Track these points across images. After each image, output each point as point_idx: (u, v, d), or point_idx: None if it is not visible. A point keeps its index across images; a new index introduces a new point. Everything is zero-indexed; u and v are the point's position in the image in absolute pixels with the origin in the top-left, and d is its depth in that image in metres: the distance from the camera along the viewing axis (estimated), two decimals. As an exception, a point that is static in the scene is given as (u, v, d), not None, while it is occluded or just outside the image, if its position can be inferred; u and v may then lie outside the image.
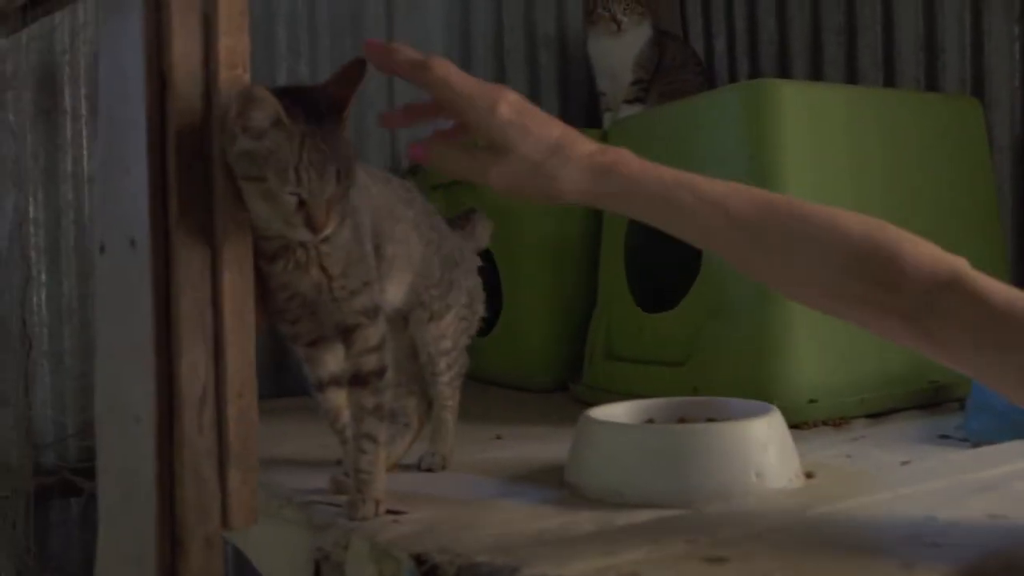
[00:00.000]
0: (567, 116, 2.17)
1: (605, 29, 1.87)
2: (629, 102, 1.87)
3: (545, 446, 1.12)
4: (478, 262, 1.12)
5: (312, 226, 0.73)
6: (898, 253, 0.72)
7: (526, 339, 1.68)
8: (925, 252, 0.72)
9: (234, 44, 0.71)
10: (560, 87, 2.22)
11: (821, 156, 1.31)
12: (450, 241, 1.05)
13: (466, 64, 2.11)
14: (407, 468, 1.03)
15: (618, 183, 0.77)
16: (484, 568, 0.70)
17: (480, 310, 1.09)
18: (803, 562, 0.70)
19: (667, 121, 1.49)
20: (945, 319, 0.70)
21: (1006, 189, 1.62)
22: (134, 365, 0.73)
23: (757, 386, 1.19)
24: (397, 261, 0.93)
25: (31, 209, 1.66)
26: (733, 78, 2.09)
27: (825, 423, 1.22)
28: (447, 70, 0.77)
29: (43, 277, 1.67)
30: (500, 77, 2.14)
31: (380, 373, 0.86)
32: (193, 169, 0.72)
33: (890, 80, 1.79)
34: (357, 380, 0.86)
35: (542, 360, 1.67)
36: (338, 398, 0.92)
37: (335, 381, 0.91)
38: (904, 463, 1.00)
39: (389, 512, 0.85)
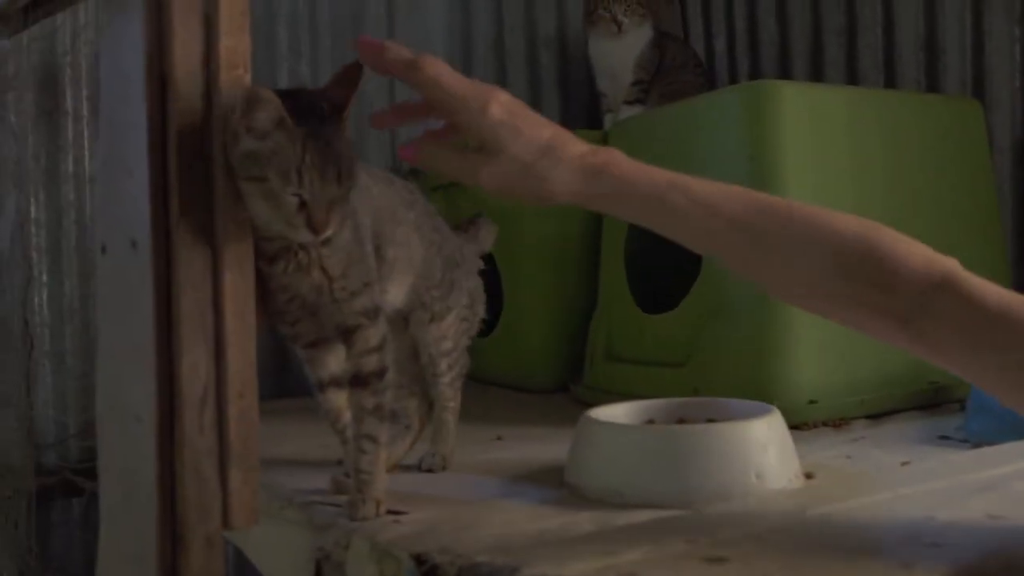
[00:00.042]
0: (568, 116, 2.20)
1: (606, 30, 1.87)
2: (630, 103, 1.87)
3: (545, 447, 1.12)
4: (480, 264, 1.12)
5: (313, 227, 0.73)
6: (891, 254, 0.72)
7: (527, 340, 1.68)
8: (918, 253, 0.72)
9: (235, 44, 0.71)
10: (561, 87, 2.22)
11: (821, 157, 1.32)
12: (451, 242, 1.05)
13: (467, 64, 2.11)
14: (408, 468, 1.04)
15: (609, 184, 0.77)
16: (484, 568, 0.70)
17: (481, 311, 1.09)
18: (803, 562, 0.70)
19: (668, 122, 1.49)
20: (937, 320, 0.70)
21: (1006, 190, 1.62)
22: (135, 365, 0.73)
23: (757, 387, 1.19)
24: (398, 264, 0.94)
25: (33, 210, 1.67)
26: (734, 79, 2.09)
27: (825, 424, 1.22)
28: (438, 70, 0.77)
29: (45, 277, 1.68)
30: (501, 77, 2.14)
31: (380, 374, 0.86)
32: (194, 169, 0.72)
33: (891, 81, 1.79)
34: (357, 381, 0.86)
35: (543, 361, 1.67)
36: (339, 399, 0.92)
37: (335, 382, 0.91)
38: (904, 464, 1.00)
39: (390, 512, 0.85)
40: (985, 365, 0.71)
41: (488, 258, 1.16)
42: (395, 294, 0.95)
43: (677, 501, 0.85)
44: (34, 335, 1.62)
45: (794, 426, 1.08)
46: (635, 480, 0.88)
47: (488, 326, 1.34)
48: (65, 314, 1.68)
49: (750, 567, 0.69)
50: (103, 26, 0.80)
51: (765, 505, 0.85)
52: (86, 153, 1.71)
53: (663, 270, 1.43)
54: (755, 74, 2.04)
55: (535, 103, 2.17)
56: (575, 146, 0.78)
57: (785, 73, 1.97)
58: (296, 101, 0.73)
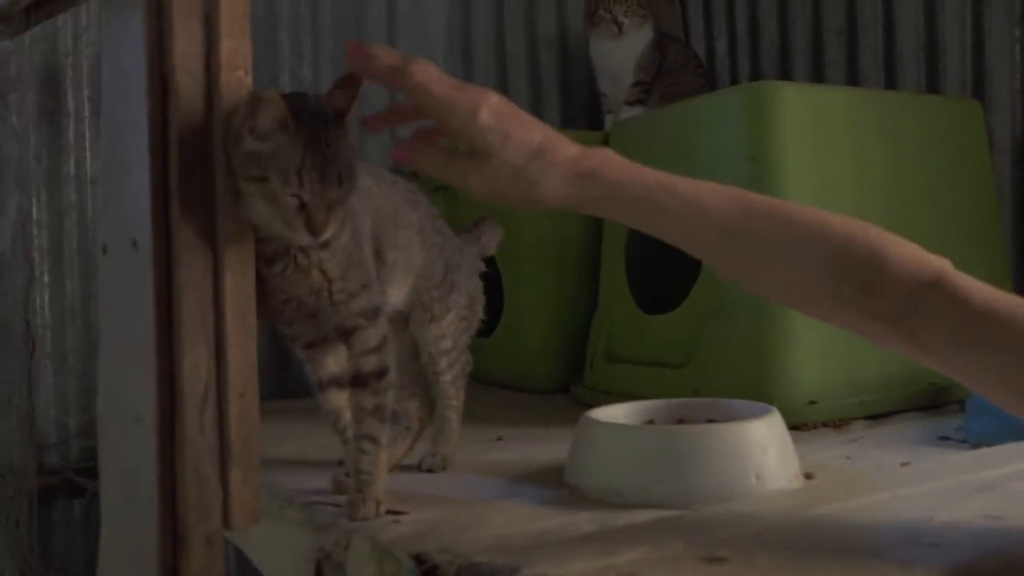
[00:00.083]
0: (568, 117, 2.20)
1: (606, 31, 1.87)
2: (630, 104, 1.88)
3: (546, 447, 1.12)
4: (482, 267, 1.12)
5: (312, 229, 0.73)
6: (881, 254, 0.72)
7: (527, 340, 1.68)
8: (908, 253, 0.72)
9: (236, 46, 0.72)
10: (561, 88, 2.22)
11: (822, 158, 1.32)
12: (453, 244, 1.05)
13: (468, 65, 2.12)
14: (408, 468, 1.04)
15: (600, 188, 0.76)
16: (484, 568, 0.71)
17: (479, 312, 1.09)
18: (802, 563, 0.71)
19: (668, 123, 1.49)
20: (928, 320, 0.70)
21: (1006, 191, 1.62)
22: (136, 366, 0.73)
23: (757, 387, 1.19)
24: (398, 266, 0.94)
25: (34, 210, 1.67)
26: (734, 80, 2.09)
27: (825, 424, 1.22)
28: (426, 76, 0.76)
29: (46, 278, 1.68)
30: (502, 78, 2.14)
31: (379, 374, 0.86)
32: (195, 170, 0.72)
33: (891, 82, 1.79)
34: (357, 381, 0.86)
35: (543, 361, 1.67)
36: (339, 399, 0.92)
37: (335, 382, 0.91)
38: (903, 464, 1.00)
39: (390, 512, 0.86)
40: (973, 364, 0.71)
41: (489, 259, 1.16)
42: (395, 296, 0.95)
43: (677, 501, 0.86)
44: (36, 336, 1.62)
45: (794, 427, 1.08)
46: (635, 480, 0.88)
47: (488, 327, 1.34)
48: (67, 315, 1.69)
49: (749, 567, 0.70)
50: (104, 27, 0.80)
51: (765, 505, 0.85)
52: (88, 154, 1.71)
53: (664, 271, 1.43)
54: (756, 75, 2.04)
55: (536, 104, 2.17)
56: (566, 149, 0.77)
57: (786, 74, 1.97)
58: (299, 104, 0.73)
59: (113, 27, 0.77)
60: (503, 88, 2.13)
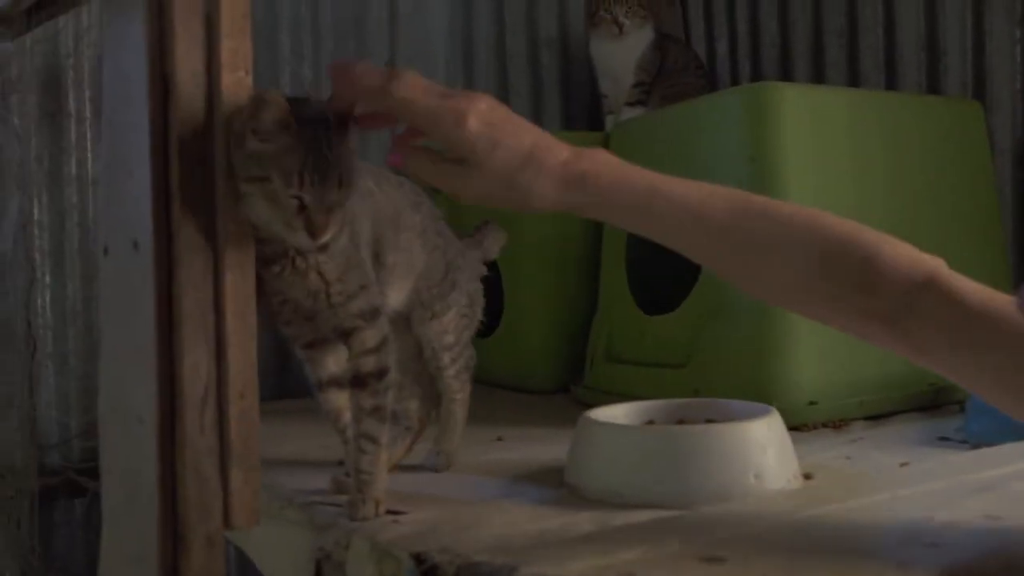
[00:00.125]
0: (569, 118, 2.20)
1: (607, 32, 1.87)
2: (631, 104, 1.88)
3: (546, 447, 1.13)
4: (483, 271, 1.12)
5: (311, 230, 0.73)
6: (876, 254, 0.72)
7: (527, 341, 1.69)
8: (903, 253, 0.72)
9: (236, 46, 0.72)
10: (562, 88, 2.22)
11: (822, 159, 1.32)
12: (454, 246, 1.06)
13: (468, 66, 2.12)
14: (408, 468, 1.04)
15: (592, 192, 0.75)
16: (483, 567, 0.71)
17: (479, 314, 1.09)
18: (801, 563, 0.71)
19: (669, 124, 1.49)
20: (922, 320, 0.70)
21: (1007, 192, 1.62)
22: (137, 366, 0.73)
23: (757, 388, 1.19)
24: (398, 269, 0.94)
25: (35, 212, 1.67)
26: (735, 81, 2.09)
27: (825, 425, 1.22)
28: (410, 91, 0.74)
29: (47, 279, 1.68)
30: (502, 79, 2.15)
31: (379, 375, 0.86)
32: (195, 171, 0.72)
33: (892, 83, 1.79)
34: (357, 381, 0.86)
35: (543, 362, 1.67)
36: (339, 399, 0.92)
37: (335, 382, 0.92)
38: (903, 465, 1.00)
39: (389, 512, 0.86)
40: (967, 364, 0.71)
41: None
42: (395, 298, 0.96)
43: (676, 501, 0.86)
44: (37, 336, 1.63)
45: (794, 427, 1.08)
46: (634, 480, 0.88)
47: (489, 327, 1.34)
48: (68, 316, 1.69)
49: (748, 567, 0.70)
50: (105, 28, 0.81)
51: (764, 506, 0.86)
52: (89, 155, 1.71)
53: (664, 271, 1.43)
54: (756, 76, 2.04)
55: (536, 105, 2.17)
56: (557, 153, 0.76)
57: (786, 75, 1.97)
58: (302, 107, 0.74)
59: (114, 28, 0.78)
60: (504, 89, 2.13)
